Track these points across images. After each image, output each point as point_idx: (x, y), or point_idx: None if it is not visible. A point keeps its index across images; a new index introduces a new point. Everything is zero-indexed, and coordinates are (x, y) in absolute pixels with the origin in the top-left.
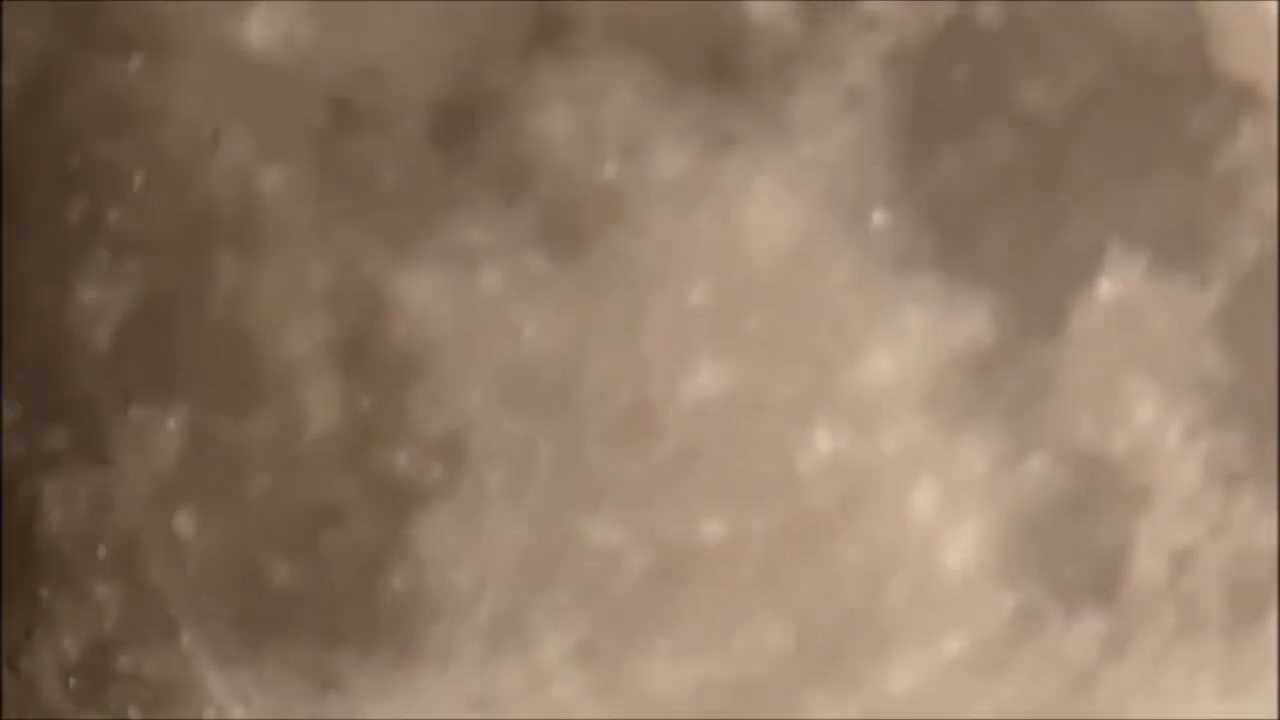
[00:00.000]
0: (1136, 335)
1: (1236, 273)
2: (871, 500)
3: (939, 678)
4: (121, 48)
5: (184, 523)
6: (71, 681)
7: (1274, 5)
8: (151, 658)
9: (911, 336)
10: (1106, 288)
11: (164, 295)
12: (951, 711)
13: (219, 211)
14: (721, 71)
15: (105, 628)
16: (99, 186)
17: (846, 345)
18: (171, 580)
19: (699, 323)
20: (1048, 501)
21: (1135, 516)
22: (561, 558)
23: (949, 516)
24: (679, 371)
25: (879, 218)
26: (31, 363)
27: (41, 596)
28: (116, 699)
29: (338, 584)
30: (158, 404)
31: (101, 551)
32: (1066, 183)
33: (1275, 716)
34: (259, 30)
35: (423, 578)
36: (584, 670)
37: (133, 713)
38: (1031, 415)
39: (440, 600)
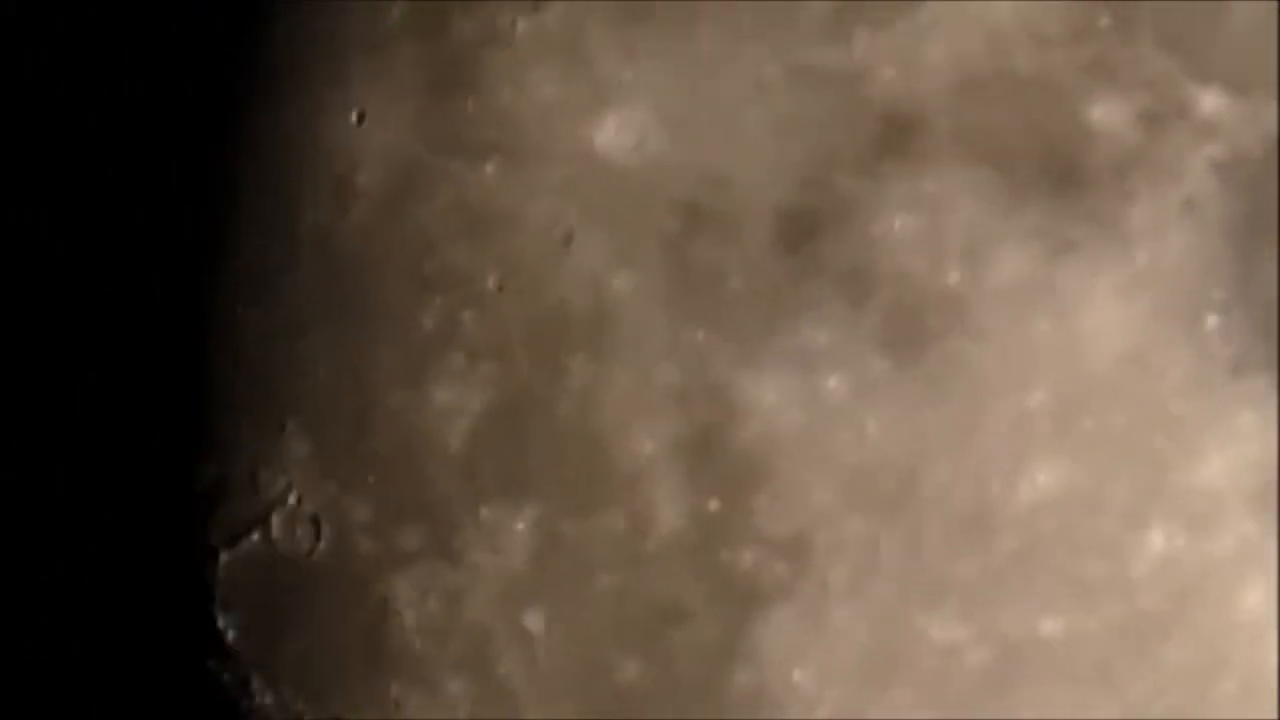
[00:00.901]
0: None
1: None
2: (1202, 599)
3: None
4: (478, 153)
5: (534, 620)
6: None
7: None
8: None
9: (1244, 438)
10: None
11: (516, 397)
12: None
13: (571, 314)
14: (1062, 179)
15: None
16: (454, 290)
17: (1181, 447)
18: (521, 676)
19: (1036, 425)
20: None
21: None
22: (903, 655)
23: (1277, 615)
24: (1017, 472)
25: (1212, 322)
26: (386, 465)
27: (392, 693)
28: None
29: (683, 681)
30: (509, 504)
31: (453, 648)
32: None
33: (1276, 716)
34: (612, 137)
35: (766, 675)
36: None
37: None
38: None
39: (783, 698)
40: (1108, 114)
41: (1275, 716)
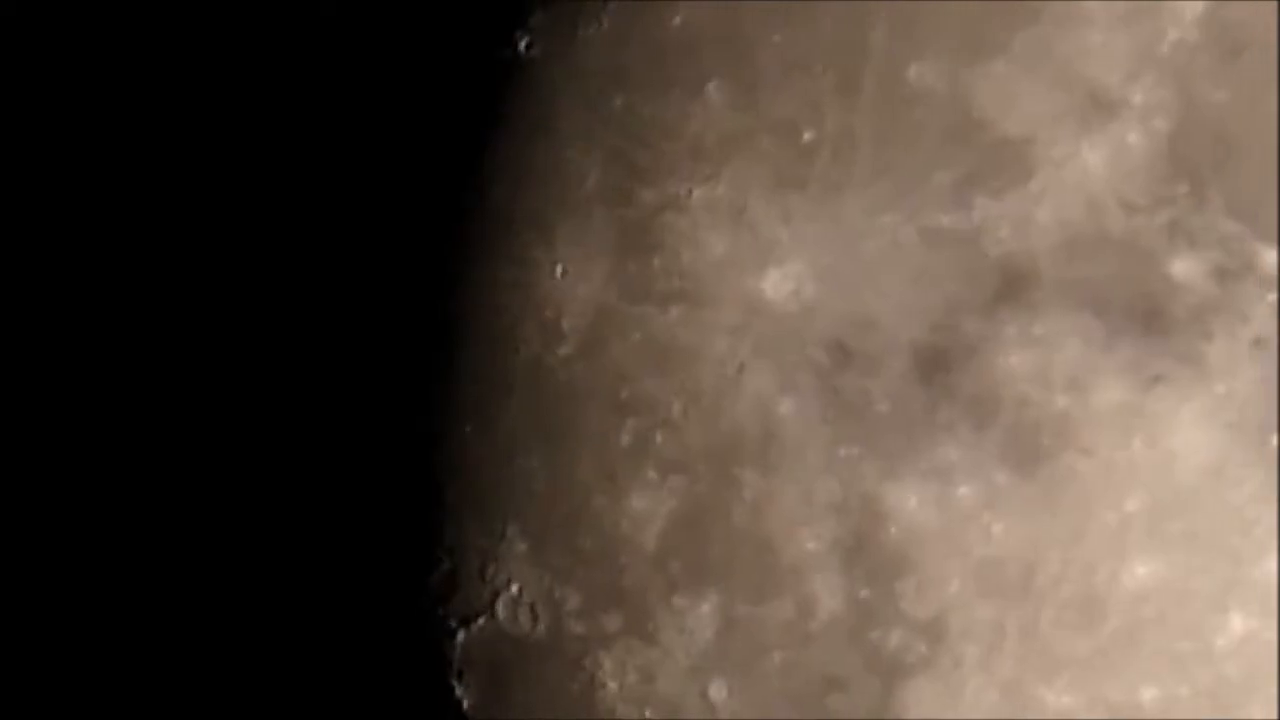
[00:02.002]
0: None
1: None
2: (1274, 671)
3: None
4: (663, 301)
5: (717, 690)
6: None
7: None
8: None
9: None
10: None
11: (699, 504)
12: None
13: (743, 434)
14: (1150, 321)
15: None
16: (645, 414)
17: (1254, 544)
18: None
19: (1134, 527)
20: None
21: None
22: (1032, 713)
23: None
24: (1119, 566)
25: (1276, 440)
26: (590, 559)
27: None
28: None
29: None
30: (695, 593)
31: (649, 714)
32: None
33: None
34: (774, 286)
35: None
36: None
37: None
38: None
39: None
40: (1187, 269)
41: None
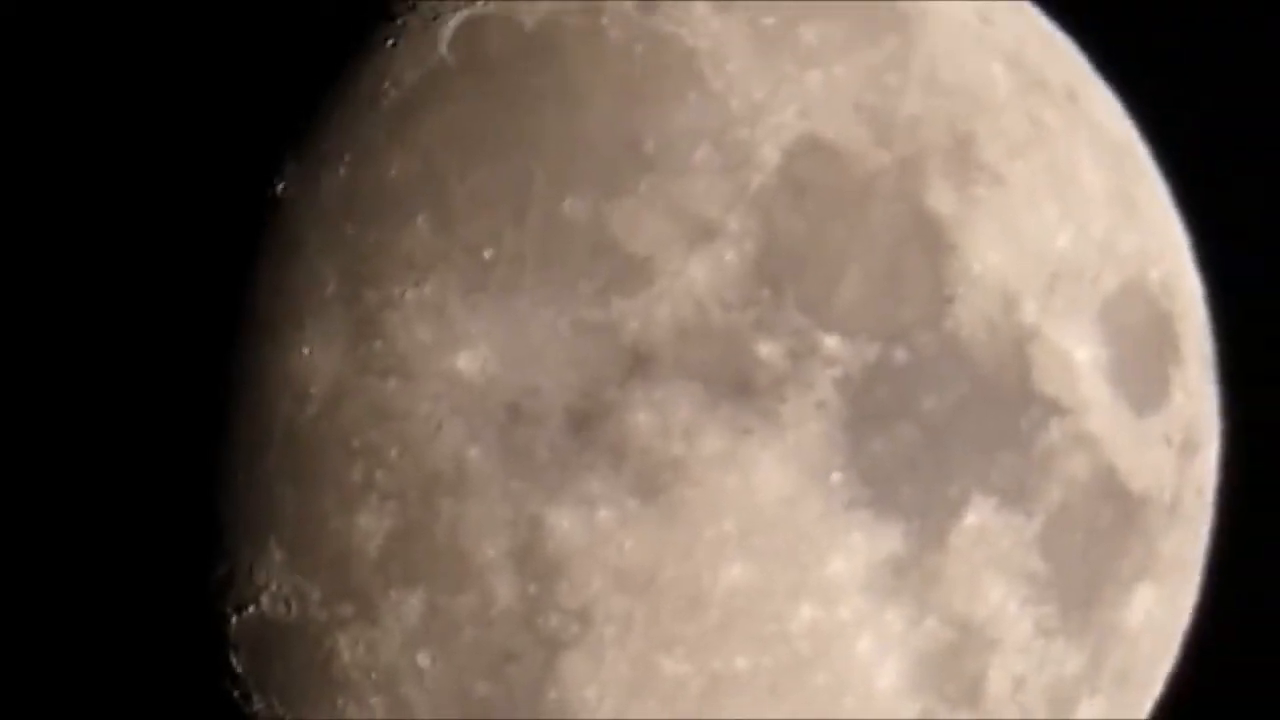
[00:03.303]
0: (989, 548)
1: (1051, 510)
2: (834, 648)
3: None
4: (384, 374)
5: (423, 659)
6: None
7: (1077, 350)
8: None
9: (856, 548)
10: (971, 519)
11: (410, 523)
12: None
13: (442, 472)
14: (742, 389)
15: None
16: (370, 457)
17: (817, 553)
18: (416, 695)
19: (729, 541)
20: (938, 646)
21: (990, 655)
22: (649, 682)
23: (879, 657)
24: (718, 570)
25: (836, 478)
26: (330, 564)
27: (338, 704)
28: None
29: (516, 697)
30: (406, 588)
31: (373, 676)
32: (948, 457)
33: None
34: (465, 364)
35: (566, 694)
36: None
37: None
38: (927, 596)
39: (576, 708)
40: (769, 351)
41: None
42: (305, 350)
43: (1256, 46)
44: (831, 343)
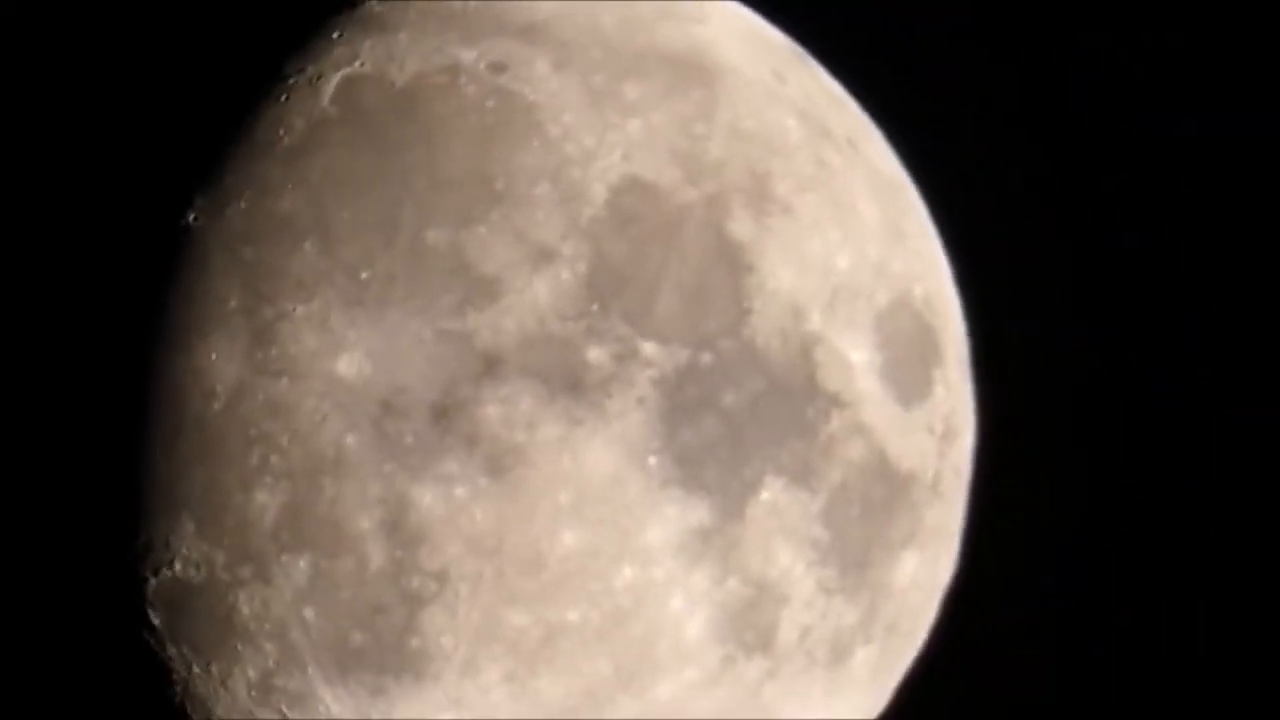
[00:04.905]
0: (780, 519)
1: (832, 488)
2: (651, 603)
3: (684, 690)
4: (277, 374)
5: (309, 613)
6: (252, 693)
7: (854, 354)
8: (293, 680)
9: (669, 519)
10: (765, 495)
11: (298, 499)
12: (685, 713)
13: (325, 457)
14: (575, 386)
15: (270, 665)
16: (265, 445)
17: (636, 523)
18: (303, 642)
19: (564, 512)
20: (738, 601)
21: (781, 609)
22: (496, 631)
23: (689, 610)
24: (554, 537)
25: (653, 460)
26: (232, 533)
27: (238, 650)
28: (274, 701)
29: (385, 643)
30: (295, 553)
31: (267, 627)
32: (746, 443)
33: None
34: (344, 366)
35: (426, 642)
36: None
37: (285, 708)
38: (730, 558)
39: (433, 652)
40: (598, 355)
41: None
42: (212, 355)
43: (1011, 103)
44: (649, 348)
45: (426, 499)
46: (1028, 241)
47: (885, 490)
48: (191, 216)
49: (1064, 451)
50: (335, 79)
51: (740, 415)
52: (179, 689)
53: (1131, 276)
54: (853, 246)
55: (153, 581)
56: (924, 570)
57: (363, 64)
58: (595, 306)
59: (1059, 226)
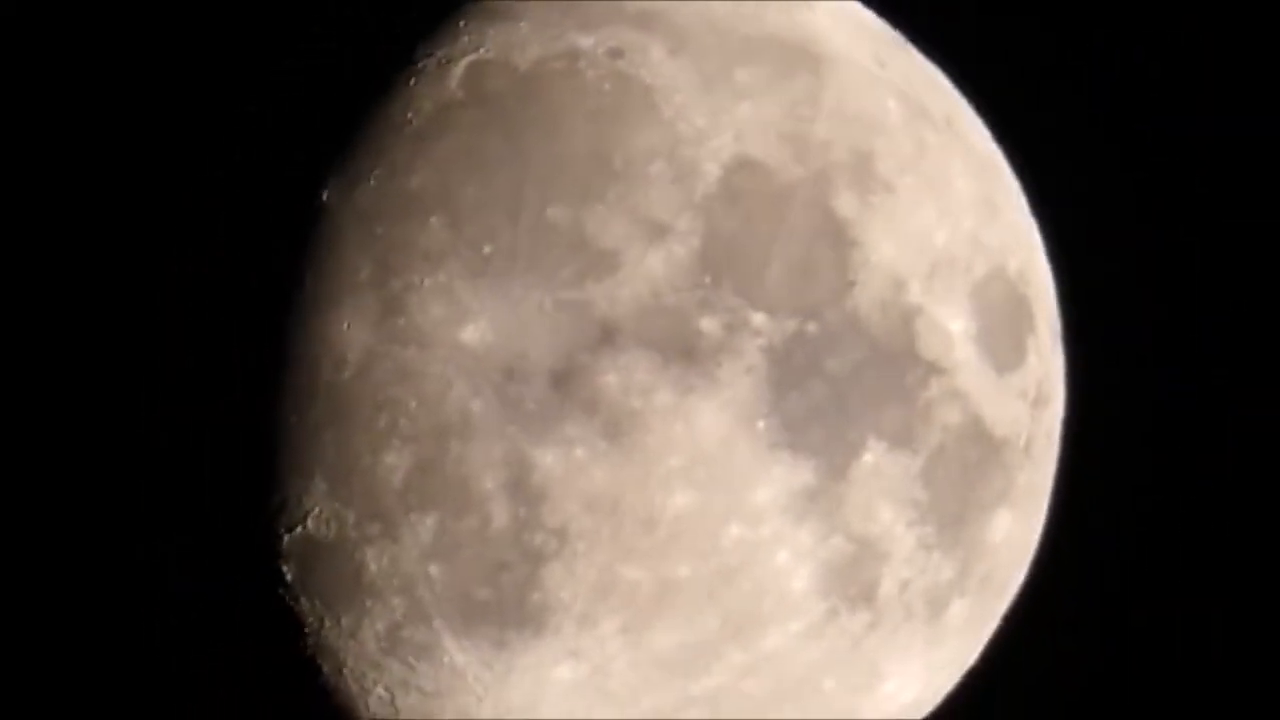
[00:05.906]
0: (881, 480)
1: (931, 450)
2: (758, 559)
3: (790, 641)
4: (405, 344)
5: (434, 570)
6: (381, 644)
7: (952, 323)
8: (419, 632)
9: (776, 480)
10: (868, 457)
11: (426, 461)
12: (791, 662)
13: (450, 421)
14: (688, 355)
15: (398, 618)
16: (394, 410)
17: (745, 484)
18: (429, 597)
19: (676, 475)
20: (841, 557)
21: (882, 565)
22: (612, 585)
23: (794, 566)
24: (668, 498)
25: (761, 425)
26: (362, 494)
27: (366, 605)
28: (400, 654)
29: (507, 598)
30: (423, 512)
31: (394, 582)
32: (850, 408)
33: None
34: (469, 335)
35: (547, 596)
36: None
37: (411, 659)
38: (834, 517)
39: (553, 606)
40: (709, 325)
41: None
42: (344, 325)
43: (1102, 84)
44: (758, 318)
45: (548, 460)
46: (1121, 217)
47: (980, 453)
48: (325, 195)
49: (1148, 426)
50: (462, 64)
51: (844, 382)
52: (310, 640)
53: (1240, 265)
54: (950, 221)
55: (286, 538)
56: (1016, 528)
57: (488, 50)
58: (707, 279)
59: (1152, 208)
